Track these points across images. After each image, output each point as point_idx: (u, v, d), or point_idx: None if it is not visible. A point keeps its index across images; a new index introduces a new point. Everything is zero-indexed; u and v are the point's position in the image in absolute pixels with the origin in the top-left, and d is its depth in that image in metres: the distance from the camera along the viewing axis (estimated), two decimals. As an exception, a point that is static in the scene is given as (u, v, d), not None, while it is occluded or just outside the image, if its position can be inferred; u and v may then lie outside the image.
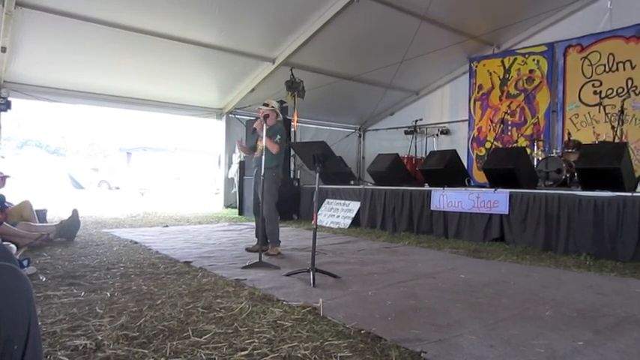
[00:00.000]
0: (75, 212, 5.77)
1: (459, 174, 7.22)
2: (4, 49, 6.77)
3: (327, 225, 7.78)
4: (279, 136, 4.79)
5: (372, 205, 7.63)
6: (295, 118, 9.23)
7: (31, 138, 31.94)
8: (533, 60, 8.84)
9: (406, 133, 10.91)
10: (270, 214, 4.87)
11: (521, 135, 8.81)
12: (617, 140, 6.73)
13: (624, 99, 7.30)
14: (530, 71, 8.89)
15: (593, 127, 7.90)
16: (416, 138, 10.47)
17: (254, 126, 4.92)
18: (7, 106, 7.70)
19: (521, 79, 9.04)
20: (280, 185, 5.10)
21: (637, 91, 7.45)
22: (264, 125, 4.48)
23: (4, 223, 4.85)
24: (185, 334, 2.34)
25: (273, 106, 4.94)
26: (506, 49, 9.57)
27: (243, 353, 2.12)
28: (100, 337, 2.25)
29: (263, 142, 4.52)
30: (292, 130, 9.23)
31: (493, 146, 8.85)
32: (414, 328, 2.53)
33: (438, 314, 2.80)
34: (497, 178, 6.26)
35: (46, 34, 6.85)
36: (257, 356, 2.10)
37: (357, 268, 4.27)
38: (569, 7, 8.35)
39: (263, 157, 4.48)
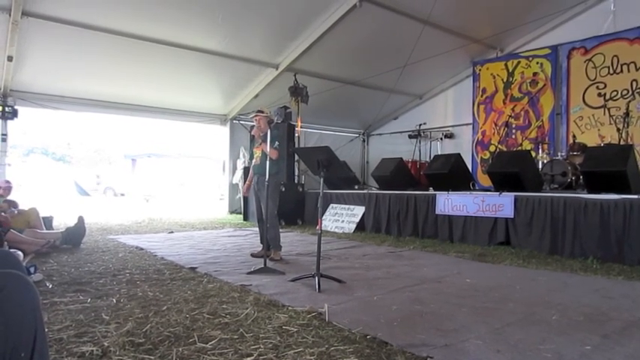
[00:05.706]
0: (81, 219, 5.82)
1: (463, 178, 7.19)
2: (10, 58, 6.84)
3: (332, 230, 7.77)
4: (277, 142, 4.92)
5: (376, 210, 7.62)
6: (299, 124, 9.25)
7: (37, 146, 32.12)
8: (537, 63, 8.82)
9: (410, 137, 10.90)
10: (271, 220, 4.95)
11: (526, 138, 8.78)
12: (622, 142, 6.68)
13: (629, 101, 7.24)
14: (534, 74, 8.86)
15: (598, 130, 7.86)
16: (420, 142, 10.47)
17: (252, 134, 5.12)
18: (14, 114, 7.80)
19: (524, 82, 9.01)
20: (283, 190, 5.16)
21: (642, 93, 7.41)
22: (269, 131, 4.65)
23: (12, 230, 4.89)
24: (191, 340, 2.35)
25: (266, 114, 5.07)
26: (509, 53, 9.55)
27: (249, 359, 2.13)
28: (106, 344, 2.26)
29: (267, 149, 4.65)
30: (296, 135, 9.25)
31: (497, 150, 8.82)
32: (419, 333, 2.52)
33: (444, 319, 2.79)
34: (502, 182, 6.24)
35: (52, 42, 6.93)
36: (263, 362, 2.10)
37: (362, 272, 4.27)
38: (573, 9, 8.34)
39: (267, 162, 4.57)
